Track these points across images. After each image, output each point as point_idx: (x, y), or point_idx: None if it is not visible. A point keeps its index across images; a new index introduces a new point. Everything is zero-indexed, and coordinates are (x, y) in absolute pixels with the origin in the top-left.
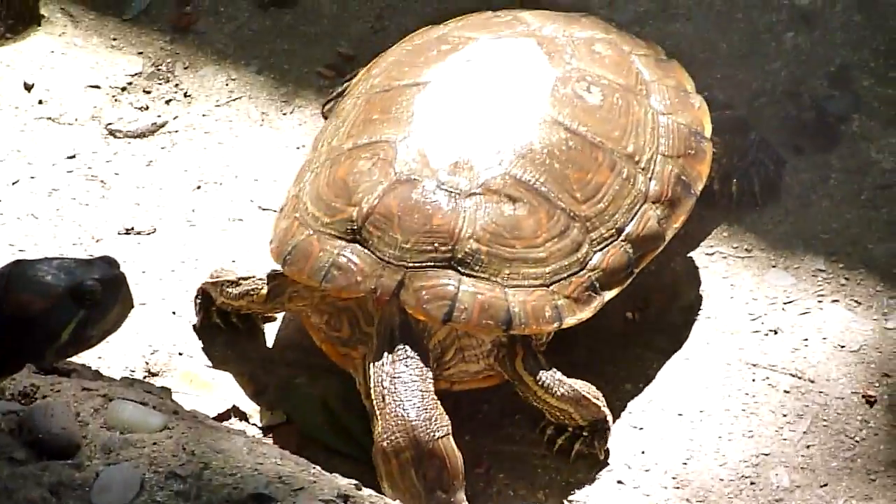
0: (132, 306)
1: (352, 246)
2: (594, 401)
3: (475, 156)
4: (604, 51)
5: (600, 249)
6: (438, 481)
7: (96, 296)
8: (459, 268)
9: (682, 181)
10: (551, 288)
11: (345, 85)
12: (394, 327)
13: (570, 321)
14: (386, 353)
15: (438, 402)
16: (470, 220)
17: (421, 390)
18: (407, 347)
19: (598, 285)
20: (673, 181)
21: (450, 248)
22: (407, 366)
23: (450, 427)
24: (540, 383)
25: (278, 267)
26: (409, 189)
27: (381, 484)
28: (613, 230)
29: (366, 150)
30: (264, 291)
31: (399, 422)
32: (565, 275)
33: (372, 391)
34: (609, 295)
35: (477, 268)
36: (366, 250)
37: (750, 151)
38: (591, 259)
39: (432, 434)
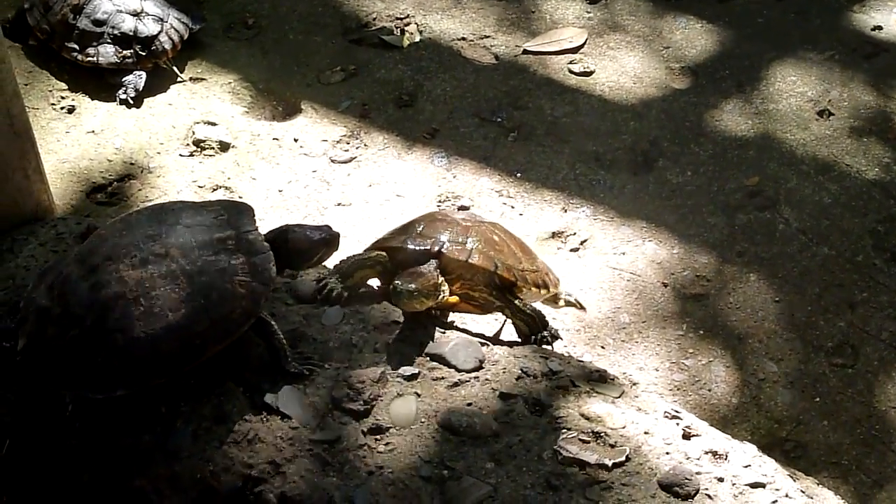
0: (338, 247)
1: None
2: (544, 316)
3: (470, 231)
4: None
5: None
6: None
7: (330, 241)
8: (471, 246)
9: (542, 266)
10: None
11: None
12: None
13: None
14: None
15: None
16: (473, 235)
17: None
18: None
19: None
20: (542, 264)
21: (465, 239)
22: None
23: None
24: (522, 304)
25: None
26: (443, 223)
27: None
28: (535, 269)
29: (422, 235)
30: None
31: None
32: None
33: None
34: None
35: (480, 247)
36: (425, 242)
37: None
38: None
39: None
